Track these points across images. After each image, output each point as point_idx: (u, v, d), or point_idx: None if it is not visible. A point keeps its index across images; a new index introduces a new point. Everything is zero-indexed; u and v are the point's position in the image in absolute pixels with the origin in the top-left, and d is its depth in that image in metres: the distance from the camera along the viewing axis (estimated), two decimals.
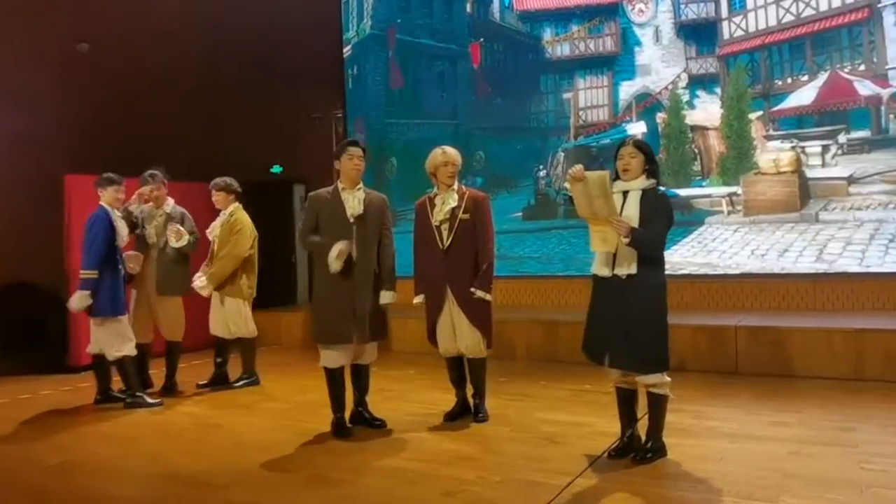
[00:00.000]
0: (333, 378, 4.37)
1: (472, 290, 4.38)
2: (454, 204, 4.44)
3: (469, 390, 4.63)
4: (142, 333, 5.69)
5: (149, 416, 5.12)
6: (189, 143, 9.05)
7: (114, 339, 5.22)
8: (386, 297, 4.42)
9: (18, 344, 6.73)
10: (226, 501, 3.41)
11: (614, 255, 3.58)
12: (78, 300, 5.11)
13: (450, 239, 4.43)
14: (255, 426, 4.73)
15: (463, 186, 4.59)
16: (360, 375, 4.54)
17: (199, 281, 5.74)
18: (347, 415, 4.47)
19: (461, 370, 4.62)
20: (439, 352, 4.59)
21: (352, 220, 4.29)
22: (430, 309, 4.55)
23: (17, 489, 3.71)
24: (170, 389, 5.76)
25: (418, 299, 4.58)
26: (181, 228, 5.59)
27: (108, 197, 5.33)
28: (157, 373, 5.86)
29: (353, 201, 4.32)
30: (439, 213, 4.45)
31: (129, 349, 5.28)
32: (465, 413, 4.62)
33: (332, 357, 4.34)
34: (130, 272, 5.49)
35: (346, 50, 9.87)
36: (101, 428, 4.84)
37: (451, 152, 4.50)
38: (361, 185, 4.42)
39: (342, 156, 4.36)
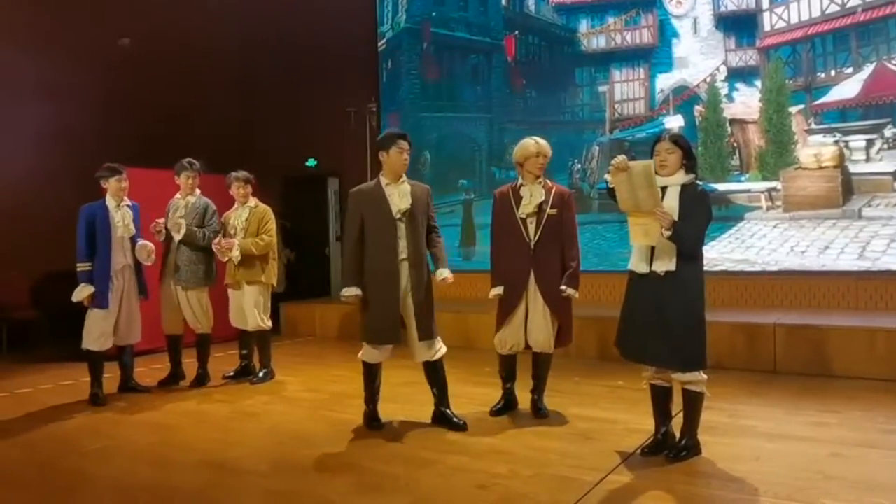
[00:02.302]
0: (371, 372, 4.38)
1: (563, 288, 4.29)
2: (542, 198, 4.33)
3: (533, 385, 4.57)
4: (171, 325, 5.78)
5: (186, 405, 5.20)
6: (225, 137, 9.15)
7: (90, 330, 5.24)
8: (444, 272, 4.36)
9: (62, 332, 6.90)
10: (263, 489, 3.46)
11: (652, 251, 3.53)
12: (75, 293, 5.17)
13: (538, 234, 4.33)
14: (289, 416, 4.79)
15: (548, 181, 4.46)
16: (436, 373, 4.37)
17: (228, 242, 5.62)
18: (430, 412, 4.42)
19: (514, 368, 4.58)
20: (496, 347, 4.51)
21: (398, 216, 4.21)
22: (505, 302, 4.42)
23: (57, 474, 3.80)
24: (201, 380, 5.81)
25: (496, 291, 4.43)
26: (179, 221, 5.52)
27: (111, 188, 5.30)
28: (190, 363, 5.95)
29: (398, 196, 4.22)
30: (527, 206, 4.33)
31: (98, 344, 5.24)
32: (509, 408, 4.60)
33: (374, 354, 4.33)
34: (144, 263, 5.46)
35: (381, 44, 9.90)
36: (139, 415, 4.94)
37: (544, 143, 4.37)
38: (404, 177, 4.32)
39: (391, 148, 4.21)
